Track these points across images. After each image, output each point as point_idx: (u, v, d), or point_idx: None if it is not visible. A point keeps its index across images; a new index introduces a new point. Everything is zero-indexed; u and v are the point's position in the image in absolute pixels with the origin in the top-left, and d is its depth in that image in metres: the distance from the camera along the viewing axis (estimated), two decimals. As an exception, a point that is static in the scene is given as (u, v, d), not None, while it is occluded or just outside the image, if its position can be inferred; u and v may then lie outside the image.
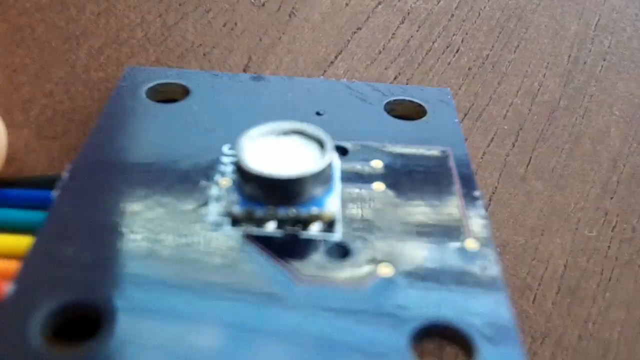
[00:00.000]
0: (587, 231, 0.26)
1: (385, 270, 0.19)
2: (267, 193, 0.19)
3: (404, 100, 0.24)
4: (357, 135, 0.23)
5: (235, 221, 0.19)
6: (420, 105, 0.24)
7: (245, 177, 0.19)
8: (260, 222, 0.19)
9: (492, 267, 0.19)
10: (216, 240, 0.19)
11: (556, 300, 0.25)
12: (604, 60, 0.29)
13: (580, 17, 0.29)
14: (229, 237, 0.19)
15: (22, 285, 0.17)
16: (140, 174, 0.20)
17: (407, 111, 0.24)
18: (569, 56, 0.29)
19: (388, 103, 0.24)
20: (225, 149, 0.22)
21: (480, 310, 0.19)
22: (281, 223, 0.19)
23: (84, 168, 0.20)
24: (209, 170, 0.21)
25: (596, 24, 0.29)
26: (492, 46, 0.28)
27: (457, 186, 0.21)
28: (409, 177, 0.21)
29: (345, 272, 0.19)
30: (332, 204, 0.19)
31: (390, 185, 0.21)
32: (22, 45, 0.27)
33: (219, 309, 0.17)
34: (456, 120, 0.24)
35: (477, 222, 0.20)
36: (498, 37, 0.29)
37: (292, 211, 0.19)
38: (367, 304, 0.18)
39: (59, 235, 0.18)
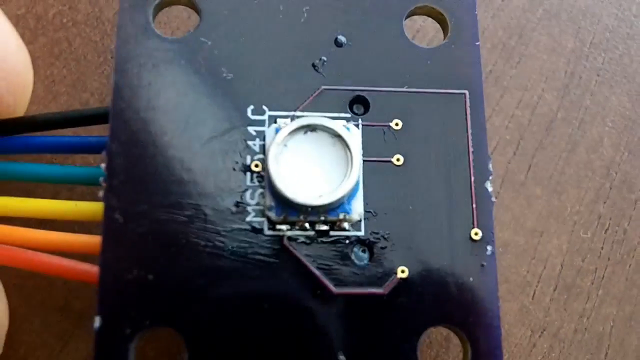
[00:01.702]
0: (582, 233, 0.28)
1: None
2: (299, 209, 0.20)
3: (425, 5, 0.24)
4: (377, 73, 0.23)
5: (272, 223, 0.21)
6: (442, 15, 0.24)
7: (279, 198, 0.20)
8: (294, 224, 0.21)
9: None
10: (258, 245, 0.21)
11: (554, 297, 0.27)
12: (598, 75, 0.30)
13: (576, 35, 0.30)
14: (268, 241, 0.21)
15: (106, 317, 0.19)
16: (172, 160, 0.21)
17: (428, 12, 0.24)
18: (566, 71, 0.30)
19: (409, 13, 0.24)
20: (249, 112, 0.22)
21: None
22: (312, 224, 0.21)
23: (120, 162, 0.21)
24: (237, 148, 0.21)
25: (591, 42, 0.30)
26: (495, 62, 0.29)
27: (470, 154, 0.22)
28: (426, 142, 0.22)
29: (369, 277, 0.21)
30: (357, 207, 0.21)
31: (408, 156, 0.22)
32: (60, 58, 0.28)
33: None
34: (477, 43, 0.23)
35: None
36: (500, 53, 0.30)
37: (321, 218, 0.20)
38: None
39: (119, 255, 0.20)
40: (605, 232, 0.28)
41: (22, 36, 0.27)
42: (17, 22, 0.28)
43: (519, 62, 0.30)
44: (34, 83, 0.26)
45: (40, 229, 0.22)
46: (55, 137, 0.24)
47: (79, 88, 0.27)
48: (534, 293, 0.27)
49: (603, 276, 0.27)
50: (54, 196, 0.25)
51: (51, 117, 0.24)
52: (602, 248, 0.28)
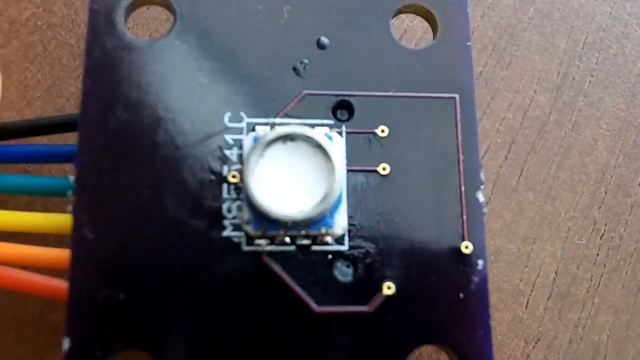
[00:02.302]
0: (576, 239, 0.27)
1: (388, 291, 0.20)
2: (279, 223, 0.19)
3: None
4: (363, 76, 0.22)
5: (250, 237, 0.20)
6: (431, 14, 0.23)
7: (257, 211, 0.19)
8: (273, 239, 0.20)
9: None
10: (235, 261, 0.20)
11: (548, 306, 0.26)
12: (592, 76, 0.29)
13: (569, 35, 0.30)
14: (245, 257, 0.20)
15: (75, 339, 0.19)
16: (145, 171, 0.20)
17: (416, 11, 0.23)
18: (559, 72, 0.29)
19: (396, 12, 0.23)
20: (226, 119, 0.21)
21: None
22: (293, 239, 0.20)
23: (90, 174, 0.20)
24: (212, 157, 0.20)
25: (584, 42, 0.30)
26: (485, 63, 0.29)
27: (460, 163, 0.21)
28: (414, 150, 0.21)
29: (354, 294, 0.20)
30: (340, 221, 0.20)
31: (395, 164, 0.21)
32: (34, 62, 0.27)
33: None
34: (468, 43, 0.22)
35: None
36: (491, 54, 0.29)
37: (302, 232, 0.20)
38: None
39: (89, 273, 0.19)
40: (601, 238, 0.27)
41: (-5, 40, 0.26)
42: (-10, 24, 0.27)
43: (510, 63, 0.29)
44: (7, 88, 0.26)
45: (14, 241, 0.21)
46: (27, 145, 0.23)
47: (54, 93, 0.27)
48: (528, 302, 0.26)
49: (599, 284, 0.27)
50: (29, 206, 0.25)
51: (22, 124, 0.23)
52: (597, 255, 0.27)
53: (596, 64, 0.29)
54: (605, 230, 0.27)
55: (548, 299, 0.26)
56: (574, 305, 0.26)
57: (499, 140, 0.28)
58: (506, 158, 0.28)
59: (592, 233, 0.27)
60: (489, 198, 0.27)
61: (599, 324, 0.26)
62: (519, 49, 0.29)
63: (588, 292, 0.27)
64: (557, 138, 0.28)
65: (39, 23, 0.28)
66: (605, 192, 0.28)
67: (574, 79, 0.29)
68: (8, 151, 0.23)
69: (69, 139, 0.24)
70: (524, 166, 0.28)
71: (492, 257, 0.26)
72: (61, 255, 0.20)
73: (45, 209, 0.24)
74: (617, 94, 0.29)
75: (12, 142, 0.23)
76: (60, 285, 0.20)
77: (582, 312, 0.26)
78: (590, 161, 0.28)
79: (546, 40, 0.29)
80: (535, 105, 0.29)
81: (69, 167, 0.24)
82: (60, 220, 0.21)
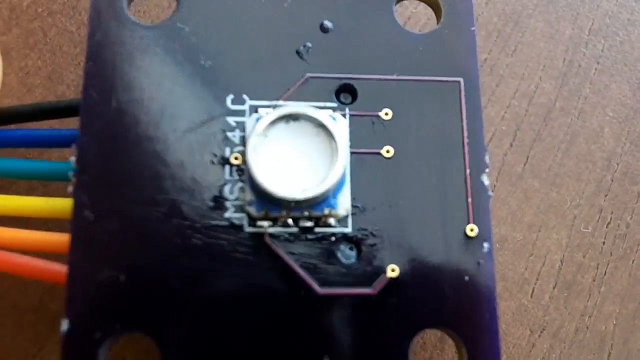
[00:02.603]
0: (582, 227, 0.27)
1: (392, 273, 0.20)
2: (281, 203, 0.19)
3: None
4: (366, 59, 0.22)
5: (252, 219, 0.20)
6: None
7: (259, 192, 0.19)
8: (275, 220, 0.20)
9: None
10: (237, 243, 0.19)
11: (553, 294, 0.26)
12: (598, 63, 0.29)
13: (575, 21, 0.29)
14: (248, 238, 0.20)
15: (74, 320, 0.18)
16: (146, 152, 0.20)
17: None
18: (564, 59, 0.29)
19: None
20: (229, 102, 0.21)
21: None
22: (296, 220, 0.20)
23: (91, 155, 0.20)
24: (215, 140, 0.20)
25: (590, 29, 0.29)
26: (490, 50, 0.29)
27: (465, 146, 0.21)
28: (418, 133, 0.21)
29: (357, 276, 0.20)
30: (343, 202, 0.20)
31: (399, 147, 0.21)
32: (34, 49, 0.27)
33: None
34: (472, 28, 0.22)
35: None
36: (495, 41, 0.29)
37: (305, 213, 0.19)
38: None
39: (89, 255, 0.19)
40: (607, 226, 0.27)
41: (-5, 27, 0.26)
42: (-10, 12, 0.27)
43: (515, 50, 0.29)
44: (8, 75, 0.26)
45: (14, 226, 0.21)
46: (28, 130, 0.23)
47: (54, 80, 0.27)
48: (533, 291, 0.26)
49: (605, 272, 0.26)
50: (29, 192, 0.24)
51: (23, 109, 0.23)
52: (603, 243, 0.27)
53: (602, 50, 0.29)
54: (611, 218, 0.27)
55: (554, 287, 0.26)
56: (580, 294, 0.26)
57: (504, 128, 0.28)
58: (511, 145, 0.28)
59: (598, 221, 0.27)
60: (494, 185, 0.27)
61: (605, 313, 0.26)
62: (524, 35, 0.29)
63: (594, 280, 0.26)
64: (563, 125, 0.28)
65: (40, 10, 0.27)
66: (612, 180, 0.28)
67: (579, 66, 0.29)
68: (8, 136, 0.23)
69: (70, 124, 0.24)
70: (529, 153, 0.28)
71: (497, 245, 0.26)
72: (61, 239, 0.20)
73: (45, 194, 0.24)
74: (623, 81, 0.29)
75: (12, 127, 0.23)
76: (60, 269, 0.20)
77: (588, 301, 0.26)
78: (596, 149, 0.28)
79: (551, 27, 0.29)
80: (540, 92, 0.28)
81: (69, 152, 0.24)
82: (61, 204, 0.21)
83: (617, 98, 0.29)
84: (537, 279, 0.26)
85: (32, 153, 0.25)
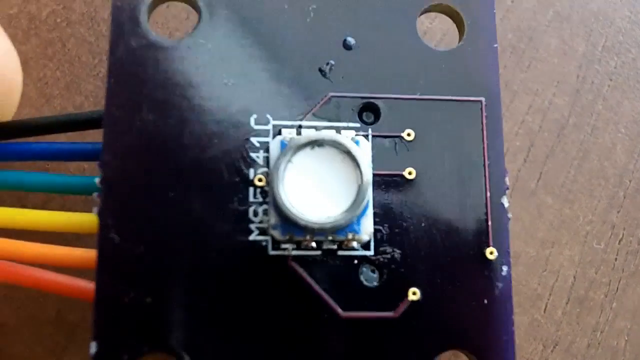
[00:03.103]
0: (595, 243, 0.27)
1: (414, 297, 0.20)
2: (305, 228, 0.19)
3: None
4: (389, 77, 0.21)
5: (276, 242, 0.20)
6: (458, 14, 0.22)
7: (284, 217, 0.19)
8: (299, 243, 0.20)
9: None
10: (261, 265, 0.20)
11: (566, 310, 0.26)
12: (611, 80, 0.29)
13: (588, 38, 0.29)
14: (271, 261, 0.20)
15: (101, 343, 0.19)
16: (171, 173, 0.20)
17: (442, 10, 0.23)
18: (577, 76, 0.29)
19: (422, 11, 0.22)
20: (253, 121, 0.21)
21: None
22: (319, 243, 0.20)
23: (116, 176, 0.20)
24: (239, 159, 0.20)
25: (603, 45, 0.29)
26: (505, 65, 0.29)
27: (486, 168, 0.21)
28: (440, 154, 0.21)
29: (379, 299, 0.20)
30: (366, 226, 0.20)
31: (421, 169, 0.21)
32: (53, 59, 0.27)
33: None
34: (495, 45, 0.22)
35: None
36: (510, 56, 0.29)
37: (328, 238, 0.19)
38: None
39: (115, 277, 0.19)
40: (619, 243, 0.27)
41: (14, 37, 0.26)
42: (9, 21, 0.27)
43: (529, 65, 0.29)
44: (26, 85, 0.26)
45: (31, 238, 0.21)
46: (47, 143, 0.23)
47: (72, 91, 0.27)
48: (546, 306, 0.26)
49: (617, 288, 0.27)
50: (45, 204, 0.25)
51: (43, 121, 0.23)
52: (615, 259, 0.27)
53: (615, 67, 0.29)
54: (623, 234, 0.27)
55: (566, 303, 0.26)
56: (592, 310, 0.26)
57: (517, 144, 0.28)
58: (525, 161, 0.28)
59: (610, 237, 0.27)
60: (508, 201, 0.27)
61: (617, 328, 0.26)
62: (538, 51, 0.29)
63: (606, 296, 0.26)
64: (576, 141, 0.28)
65: (58, 20, 0.27)
66: (624, 197, 0.28)
67: (592, 82, 0.29)
68: (28, 148, 0.22)
69: (88, 136, 0.24)
70: (542, 169, 0.28)
71: (510, 260, 0.26)
72: (85, 255, 0.20)
73: (62, 206, 0.24)
74: (636, 98, 0.29)
75: (32, 139, 0.23)
76: (85, 285, 0.20)
77: (600, 316, 0.26)
78: (609, 165, 0.28)
79: (565, 44, 0.29)
80: (554, 108, 0.28)
81: (87, 164, 0.24)
82: (83, 220, 0.21)
83: (630, 115, 0.29)
84: (550, 295, 0.26)
85: (49, 164, 0.25)
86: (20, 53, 0.23)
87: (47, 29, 0.27)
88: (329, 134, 0.20)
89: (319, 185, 0.19)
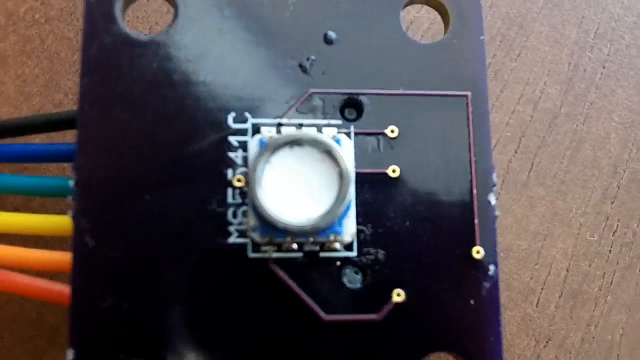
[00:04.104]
0: (588, 236, 0.27)
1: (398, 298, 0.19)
2: (286, 230, 0.19)
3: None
4: (372, 72, 0.21)
5: (256, 244, 0.19)
6: (443, 5, 0.22)
7: (264, 219, 0.19)
8: (280, 246, 0.19)
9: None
10: (241, 268, 0.19)
11: (559, 304, 0.26)
12: (604, 67, 0.29)
13: (580, 25, 0.29)
14: (251, 264, 0.19)
15: (78, 350, 0.18)
16: (147, 175, 0.20)
17: (426, 2, 0.22)
18: (569, 64, 0.28)
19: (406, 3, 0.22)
20: (231, 120, 0.20)
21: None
22: (300, 245, 0.19)
23: (90, 178, 0.19)
24: (217, 159, 0.20)
25: (595, 32, 0.29)
26: (494, 54, 0.28)
27: (472, 164, 0.21)
28: (424, 151, 0.20)
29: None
30: (348, 227, 0.19)
31: (405, 166, 0.20)
32: (31, 56, 0.27)
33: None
34: (482, 37, 0.21)
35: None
36: (499, 45, 0.28)
37: (310, 239, 0.19)
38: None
39: (91, 282, 0.19)
40: (613, 235, 0.27)
41: (-8, 33, 0.26)
42: (-13, 18, 0.27)
43: (520, 54, 0.29)
44: (4, 83, 0.26)
45: (9, 241, 0.21)
46: (24, 144, 0.23)
47: (52, 88, 0.26)
48: (538, 300, 0.26)
49: (611, 281, 0.26)
50: (25, 204, 0.24)
51: (19, 122, 0.23)
52: (610, 251, 0.27)
53: (608, 55, 0.29)
54: (617, 226, 0.27)
55: (559, 297, 0.26)
56: (586, 304, 0.26)
57: (508, 134, 0.27)
58: (516, 152, 0.27)
59: (604, 229, 0.27)
60: (499, 193, 0.26)
61: (612, 322, 0.26)
62: (529, 39, 0.29)
63: (600, 290, 0.26)
64: (569, 131, 0.28)
65: (37, 16, 0.27)
66: (618, 187, 0.27)
67: (585, 70, 0.28)
68: (5, 150, 0.22)
69: (68, 136, 0.24)
70: (534, 160, 0.27)
71: (502, 254, 0.26)
72: (62, 258, 0.20)
73: (42, 206, 0.24)
74: (630, 86, 0.28)
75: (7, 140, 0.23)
76: (64, 289, 0.20)
77: (594, 310, 0.26)
78: (602, 155, 0.28)
79: (556, 31, 0.29)
80: (545, 97, 0.28)
81: (67, 165, 0.24)
82: (60, 222, 0.20)
83: (624, 103, 0.28)
84: (542, 289, 0.26)
85: (28, 165, 0.25)
86: (-2, 50, 0.22)
87: (25, 26, 0.27)
88: (308, 133, 0.19)
89: (299, 185, 0.19)
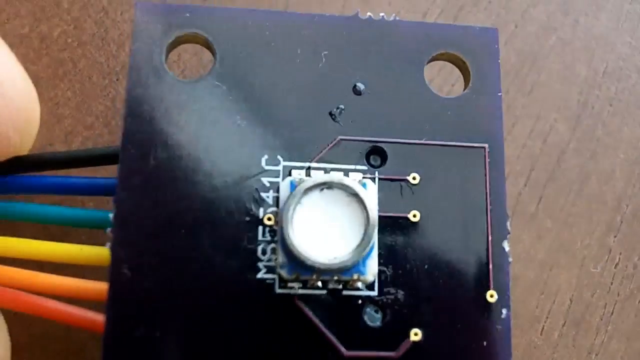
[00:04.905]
0: (592, 267, 0.28)
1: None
2: (312, 268, 0.20)
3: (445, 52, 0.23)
4: (396, 122, 0.22)
5: (283, 280, 0.20)
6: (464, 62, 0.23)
7: (292, 257, 0.20)
8: (305, 283, 0.20)
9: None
10: (268, 303, 0.20)
11: (562, 332, 0.26)
12: (611, 105, 0.29)
13: (590, 64, 0.30)
14: (278, 299, 0.20)
15: None
16: (183, 211, 0.21)
17: (449, 59, 0.23)
18: (578, 101, 0.29)
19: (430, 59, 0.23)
20: (264, 162, 0.21)
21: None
22: (324, 282, 0.20)
23: (129, 212, 0.20)
24: (249, 199, 0.21)
25: (604, 71, 0.30)
26: (507, 90, 0.29)
27: (488, 210, 0.22)
28: (444, 198, 0.21)
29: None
30: (371, 267, 0.20)
31: (425, 212, 0.21)
32: (64, 79, 0.27)
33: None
34: (499, 93, 0.23)
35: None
36: (513, 80, 0.29)
37: (334, 278, 0.20)
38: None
39: (126, 312, 0.20)
40: (615, 267, 0.28)
41: (26, 56, 0.27)
42: (21, 41, 0.27)
43: (531, 90, 0.29)
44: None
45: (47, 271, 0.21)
46: (63, 177, 0.23)
47: (83, 111, 0.27)
48: (543, 328, 0.27)
49: (612, 312, 0.27)
50: (64, 235, 0.25)
51: (58, 156, 0.23)
52: (611, 283, 0.28)
53: (615, 93, 0.30)
54: (619, 259, 0.28)
55: (563, 325, 0.27)
56: (587, 332, 0.27)
57: (518, 168, 0.28)
58: (525, 185, 0.28)
59: (607, 261, 0.28)
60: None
61: (612, 351, 0.27)
62: (540, 76, 0.29)
63: (602, 319, 0.27)
64: (576, 166, 0.29)
65: (69, 40, 0.28)
66: (621, 221, 0.28)
67: (593, 107, 0.29)
68: (43, 182, 0.23)
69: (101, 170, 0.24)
70: (543, 193, 0.28)
71: (510, 282, 0.27)
72: (97, 287, 0.21)
73: (79, 238, 0.24)
74: (635, 124, 0.29)
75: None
76: (97, 318, 0.21)
77: (595, 339, 0.27)
78: (607, 189, 0.29)
79: (567, 69, 0.30)
80: (554, 133, 0.29)
81: (104, 199, 0.24)
82: (95, 253, 0.21)
83: (629, 140, 0.29)
84: (547, 317, 0.27)
85: (67, 198, 0.26)
86: (31, 73, 0.23)
87: (58, 49, 0.28)
88: (337, 177, 0.20)
89: (326, 226, 0.20)
